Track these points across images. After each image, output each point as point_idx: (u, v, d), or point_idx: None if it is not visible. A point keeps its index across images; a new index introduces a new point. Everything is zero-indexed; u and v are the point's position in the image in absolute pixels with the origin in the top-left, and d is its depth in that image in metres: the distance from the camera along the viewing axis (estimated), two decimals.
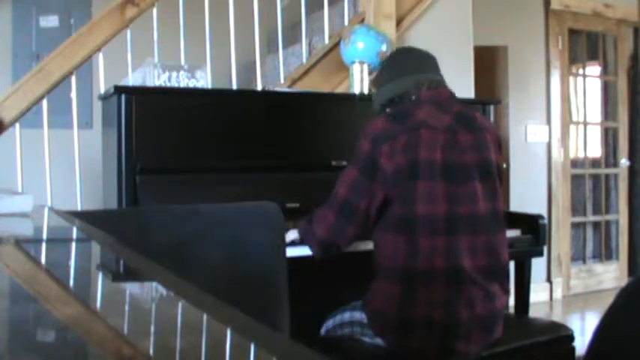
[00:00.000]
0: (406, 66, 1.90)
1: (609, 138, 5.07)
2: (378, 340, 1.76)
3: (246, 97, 2.48)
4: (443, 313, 1.67)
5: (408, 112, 1.77)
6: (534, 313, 2.64)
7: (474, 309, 1.69)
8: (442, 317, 1.67)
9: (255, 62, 2.89)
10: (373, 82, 2.74)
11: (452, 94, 1.88)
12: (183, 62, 2.60)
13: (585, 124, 4.98)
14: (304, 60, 2.97)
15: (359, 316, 1.81)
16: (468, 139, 1.77)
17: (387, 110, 1.88)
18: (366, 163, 1.73)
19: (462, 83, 3.20)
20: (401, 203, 1.69)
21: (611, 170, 5.03)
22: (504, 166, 4.56)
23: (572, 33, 4.83)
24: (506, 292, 1.81)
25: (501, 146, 1.93)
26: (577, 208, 4.90)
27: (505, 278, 1.81)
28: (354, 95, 2.59)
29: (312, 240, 1.82)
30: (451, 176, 1.71)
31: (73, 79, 2.49)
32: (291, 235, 1.95)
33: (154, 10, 2.61)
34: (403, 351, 1.71)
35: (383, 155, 1.69)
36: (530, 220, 2.42)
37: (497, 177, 1.83)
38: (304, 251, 1.90)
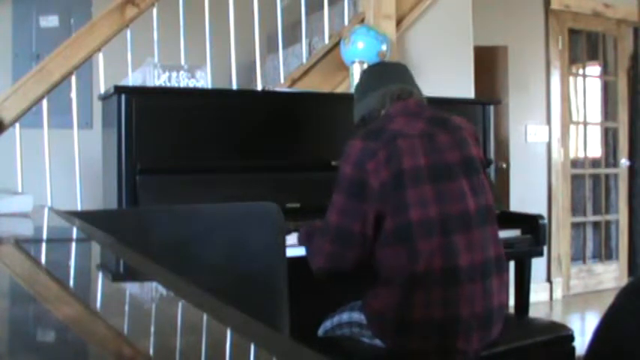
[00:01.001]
0: (371, 83, 1.93)
1: (609, 138, 5.07)
2: (377, 341, 1.76)
3: (246, 97, 2.49)
4: (442, 312, 1.67)
5: (381, 127, 1.77)
6: (534, 313, 2.64)
7: (473, 306, 1.69)
8: (441, 317, 1.67)
9: (255, 62, 2.89)
10: None
11: (420, 102, 1.89)
12: (183, 62, 2.60)
13: (585, 124, 4.98)
14: (304, 60, 2.97)
15: (358, 316, 1.81)
16: (447, 139, 1.77)
17: (361, 130, 1.88)
18: (352, 186, 1.71)
19: (462, 83, 3.21)
20: (393, 215, 1.69)
21: (611, 170, 5.03)
22: (504, 165, 4.55)
23: (572, 33, 4.83)
24: (505, 284, 1.81)
25: (479, 140, 1.94)
26: (577, 208, 4.90)
27: (503, 270, 1.81)
28: (354, 95, 2.59)
29: (313, 265, 1.81)
30: (437, 178, 1.71)
31: (73, 79, 2.49)
32: (292, 240, 1.95)
33: (154, 10, 2.61)
34: (403, 351, 1.71)
35: (371, 173, 1.69)
36: (530, 220, 2.42)
37: (481, 171, 1.83)
38: (304, 251, 1.90)
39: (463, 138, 1.81)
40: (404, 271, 1.68)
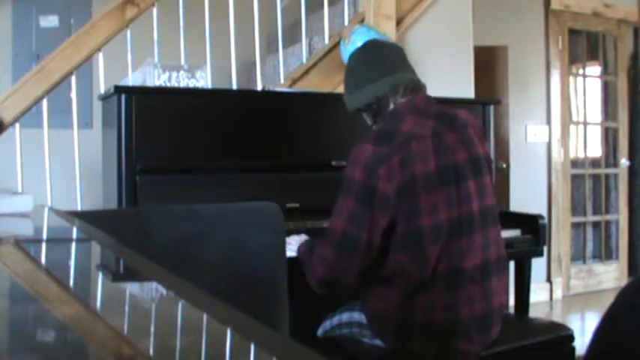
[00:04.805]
0: (381, 67, 1.81)
1: (609, 138, 5.07)
2: (378, 341, 1.75)
3: (246, 97, 2.49)
4: (443, 315, 1.66)
5: (391, 129, 1.69)
6: (534, 313, 2.64)
7: (473, 308, 1.69)
8: (442, 319, 1.66)
9: (255, 62, 2.89)
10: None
11: (427, 96, 1.82)
12: (183, 62, 2.60)
13: (585, 124, 4.98)
14: (304, 60, 2.97)
15: (358, 316, 1.81)
16: (454, 138, 1.72)
17: (372, 129, 1.81)
18: (362, 192, 1.63)
19: (462, 83, 3.21)
20: (404, 221, 1.64)
21: (611, 170, 5.03)
22: (504, 165, 4.54)
23: (572, 33, 4.83)
24: (505, 286, 1.80)
25: (485, 136, 1.88)
26: (577, 208, 4.90)
27: (503, 271, 1.80)
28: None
29: (312, 277, 1.73)
30: (447, 181, 1.67)
31: (73, 79, 2.49)
32: (292, 242, 1.92)
33: (154, 10, 2.60)
34: (403, 352, 1.71)
35: (381, 179, 1.61)
36: (530, 220, 2.42)
37: (487, 171, 1.79)
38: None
39: (469, 137, 1.76)
40: (409, 276, 1.66)
